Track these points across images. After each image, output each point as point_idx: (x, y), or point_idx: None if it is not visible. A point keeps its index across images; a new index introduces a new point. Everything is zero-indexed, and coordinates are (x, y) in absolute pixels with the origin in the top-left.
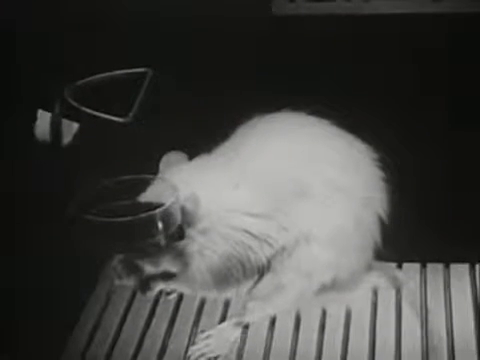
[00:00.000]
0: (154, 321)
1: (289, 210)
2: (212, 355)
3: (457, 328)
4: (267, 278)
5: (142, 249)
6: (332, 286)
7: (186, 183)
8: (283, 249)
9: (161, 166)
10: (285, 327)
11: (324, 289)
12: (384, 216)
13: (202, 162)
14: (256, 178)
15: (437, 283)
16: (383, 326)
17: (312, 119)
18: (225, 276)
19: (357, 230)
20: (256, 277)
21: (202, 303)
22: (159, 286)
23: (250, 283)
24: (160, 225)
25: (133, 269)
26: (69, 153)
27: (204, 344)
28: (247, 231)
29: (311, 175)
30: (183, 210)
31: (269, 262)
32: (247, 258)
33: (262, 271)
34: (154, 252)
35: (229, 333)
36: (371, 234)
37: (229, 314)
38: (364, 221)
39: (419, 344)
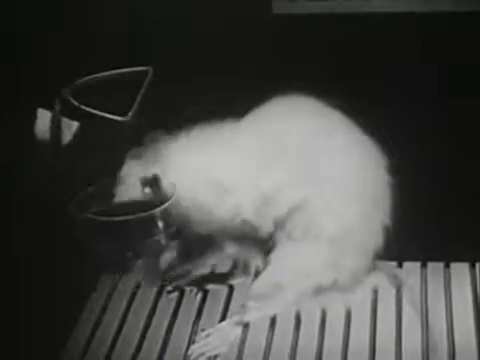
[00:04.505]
0: (154, 320)
1: (289, 209)
2: (212, 354)
3: (457, 327)
4: (266, 277)
5: (142, 248)
6: (332, 286)
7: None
8: (282, 247)
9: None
10: (285, 326)
11: (324, 289)
12: (386, 216)
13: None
14: (255, 176)
15: (437, 282)
16: (383, 325)
17: (319, 112)
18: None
19: (359, 230)
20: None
21: (202, 302)
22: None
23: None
24: (160, 224)
25: None
26: (69, 152)
27: (204, 343)
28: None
29: (313, 175)
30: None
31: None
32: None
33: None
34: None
35: (229, 332)
36: (373, 234)
37: (229, 313)
38: (366, 221)
39: (419, 343)
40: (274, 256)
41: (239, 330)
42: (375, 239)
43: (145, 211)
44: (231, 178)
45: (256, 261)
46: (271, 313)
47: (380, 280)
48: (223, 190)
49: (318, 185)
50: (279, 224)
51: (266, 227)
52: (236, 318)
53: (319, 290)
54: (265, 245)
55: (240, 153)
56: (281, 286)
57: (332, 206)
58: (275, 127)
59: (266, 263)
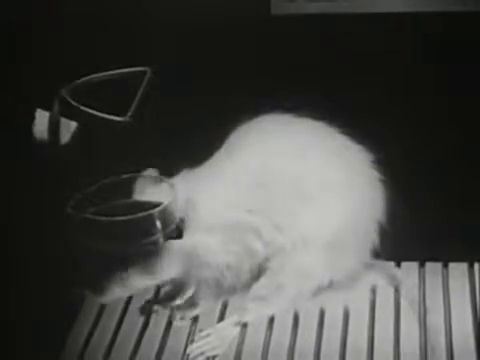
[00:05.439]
0: (153, 319)
1: (286, 211)
2: (211, 354)
3: (455, 327)
4: (266, 279)
5: (141, 248)
6: (330, 286)
7: (185, 184)
8: (281, 250)
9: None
10: (284, 326)
11: (322, 289)
12: (382, 216)
13: (201, 170)
14: (253, 178)
15: (436, 282)
16: (382, 325)
17: (310, 120)
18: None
19: (355, 231)
20: (253, 277)
21: None
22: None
23: (247, 284)
24: (158, 224)
25: None
26: (67, 152)
27: (203, 342)
28: (244, 226)
29: (308, 177)
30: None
31: (266, 262)
32: (245, 254)
33: (259, 271)
34: (152, 251)
35: (228, 332)
36: (369, 234)
37: (228, 313)
38: (362, 222)
39: (417, 343)
40: (273, 264)
41: (238, 330)
42: (371, 236)
43: (143, 211)
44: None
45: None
46: (269, 313)
47: (378, 280)
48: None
49: (307, 198)
50: (274, 241)
51: (262, 246)
52: (235, 318)
53: (318, 291)
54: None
55: (233, 179)
56: (280, 288)
57: (324, 215)
58: (261, 146)
59: (264, 270)
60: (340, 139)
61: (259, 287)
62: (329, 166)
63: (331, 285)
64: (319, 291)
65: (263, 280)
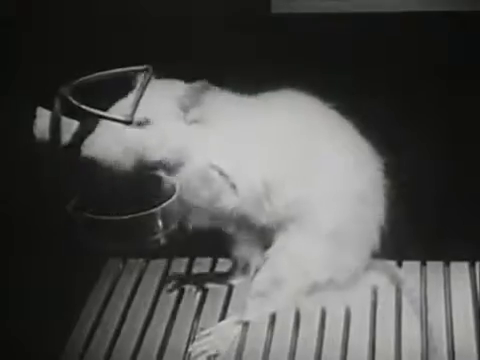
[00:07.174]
0: (154, 319)
1: (290, 194)
2: (212, 352)
3: (457, 326)
4: (265, 272)
5: (142, 247)
6: (331, 284)
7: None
8: (284, 228)
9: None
10: (285, 325)
11: (322, 286)
12: (384, 215)
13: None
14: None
15: (437, 281)
16: (383, 324)
17: (320, 111)
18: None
19: (356, 228)
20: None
21: (202, 301)
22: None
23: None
24: (160, 223)
25: None
26: (69, 151)
27: (205, 341)
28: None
29: (314, 172)
30: None
31: (268, 234)
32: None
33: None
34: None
35: (229, 331)
36: (370, 233)
37: (229, 312)
38: (363, 219)
39: (419, 342)
40: (271, 252)
41: (239, 329)
42: (372, 237)
43: (145, 210)
44: (233, 168)
45: (255, 260)
46: (270, 310)
47: (380, 279)
48: (224, 180)
49: (315, 183)
50: (276, 219)
51: (263, 221)
52: (236, 317)
53: (316, 287)
54: (262, 240)
55: (243, 144)
56: (279, 282)
57: (328, 204)
58: (276, 124)
59: (264, 259)
60: (340, 137)
61: (258, 281)
62: (336, 164)
63: (332, 284)
64: (318, 288)
65: (262, 273)
